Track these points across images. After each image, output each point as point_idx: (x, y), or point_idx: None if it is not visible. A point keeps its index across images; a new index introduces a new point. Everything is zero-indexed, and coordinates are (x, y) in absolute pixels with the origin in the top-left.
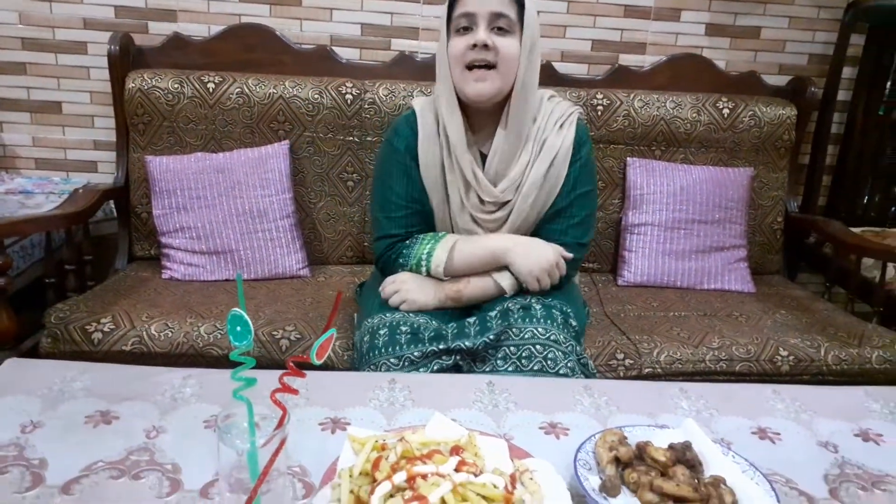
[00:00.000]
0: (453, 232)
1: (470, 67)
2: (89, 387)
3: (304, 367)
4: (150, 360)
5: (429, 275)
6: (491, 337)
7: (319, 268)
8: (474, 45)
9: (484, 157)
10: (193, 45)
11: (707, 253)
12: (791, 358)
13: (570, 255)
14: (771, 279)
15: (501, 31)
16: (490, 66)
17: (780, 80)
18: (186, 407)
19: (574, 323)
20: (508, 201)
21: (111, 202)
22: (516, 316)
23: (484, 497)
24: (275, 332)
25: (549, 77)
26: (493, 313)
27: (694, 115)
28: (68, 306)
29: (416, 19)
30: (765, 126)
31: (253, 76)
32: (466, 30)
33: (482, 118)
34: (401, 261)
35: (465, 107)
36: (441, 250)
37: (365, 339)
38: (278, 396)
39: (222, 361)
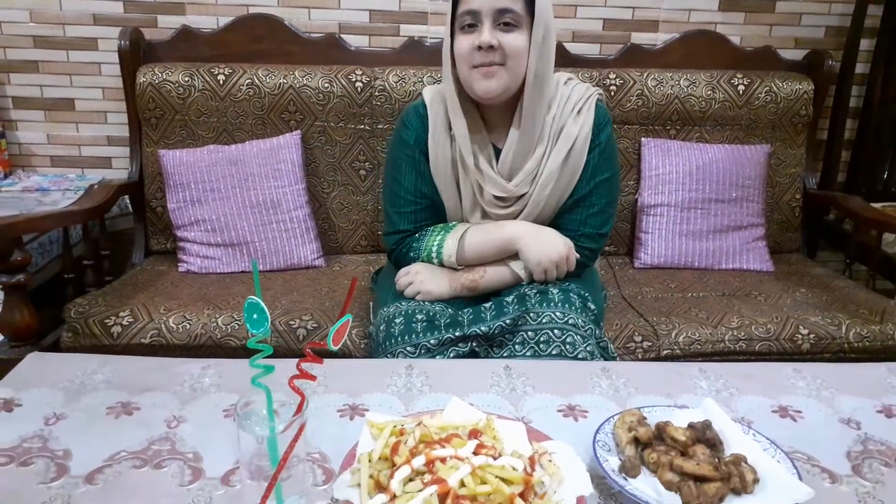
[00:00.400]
0: None
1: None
2: (110, 379)
3: (321, 354)
4: (169, 353)
5: (441, 265)
6: (508, 321)
7: (334, 257)
8: (479, 47)
9: (498, 152)
10: (202, 37)
11: (724, 232)
12: (812, 336)
13: (578, 256)
14: (790, 257)
15: (508, 25)
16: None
17: (797, 55)
18: (206, 396)
19: (593, 307)
20: (523, 195)
21: (126, 197)
22: (534, 300)
23: (503, 479)
24: (291, 322)
25: (561, 58)
26: (509, 298)
27: (709, 92)
28: (87, 301)
29: (424, 3)
30: (781, 102)
31: (262, 67)
32: (471, 27)
33: (496, 113)
34: (412, 254)
35: (478, 102)
36: (451, 240)
37: (381, 328)
38: (296, 383)
39: (240, 352)
